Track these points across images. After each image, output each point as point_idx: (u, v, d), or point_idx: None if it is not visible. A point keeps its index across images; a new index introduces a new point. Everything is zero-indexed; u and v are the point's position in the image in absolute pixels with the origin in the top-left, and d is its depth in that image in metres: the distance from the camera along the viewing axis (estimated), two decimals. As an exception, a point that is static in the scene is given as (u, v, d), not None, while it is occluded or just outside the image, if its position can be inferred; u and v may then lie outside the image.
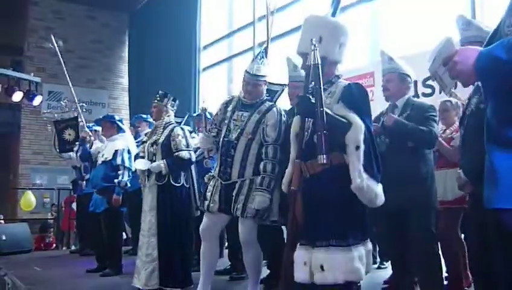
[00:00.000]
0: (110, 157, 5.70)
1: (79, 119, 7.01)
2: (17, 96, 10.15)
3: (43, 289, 5.17)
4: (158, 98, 4.88)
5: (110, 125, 6.00)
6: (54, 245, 10.58)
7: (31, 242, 8.74)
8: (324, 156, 2.60)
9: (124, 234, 7.20)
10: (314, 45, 2.80)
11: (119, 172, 5.63)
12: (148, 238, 4.59)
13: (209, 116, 4.48)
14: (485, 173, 1.73)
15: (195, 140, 5.47)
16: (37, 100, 10.57)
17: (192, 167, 4.99)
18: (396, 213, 3.47)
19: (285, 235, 3.38)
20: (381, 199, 2.78)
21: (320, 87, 2.71)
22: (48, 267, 6.58)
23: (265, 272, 4.46)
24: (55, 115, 7.46)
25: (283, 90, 4.72)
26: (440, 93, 5.38)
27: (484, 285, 2.97)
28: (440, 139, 3.96)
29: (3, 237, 8.08)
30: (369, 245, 2.88)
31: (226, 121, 4.06)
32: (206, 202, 4.01)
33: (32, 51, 13.11)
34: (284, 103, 4.57)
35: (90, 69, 13.85)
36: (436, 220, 3.63)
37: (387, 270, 4.71)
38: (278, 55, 5.50)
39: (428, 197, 3.53)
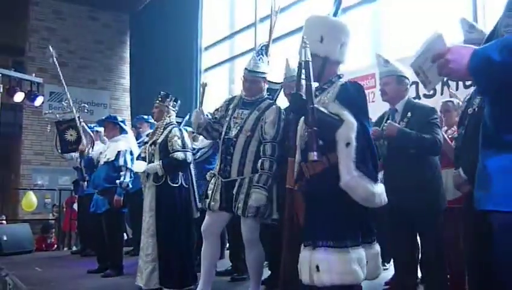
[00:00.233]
0: (112, 158, 5.70)
1: (77, 122, 7.00)
2: (19, 96, 10.14)
3: (45, 290, 5.17)
4: (160, 99, 4.89)
5: (113, 126, 6.00)
6: (55, 246, 10.58)
7: (32, 243, 8.73)
8: (315, 153, 2.59)
9: (125, 234, 7.20)
10: (305, 42, 2.81)
11: (121, 173, 5.64)
12: (148, 238, 4.62)
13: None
14: (476, 174, 1.73)
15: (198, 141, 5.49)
16: (38, 101, 10.57)
17: (192, 167, 4.99)
18: (402, 215, 3.47)
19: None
20: (381, 198, 2.74)
21: (311, 84, 2.71)
22: (49, 267, 6.58)
23: (266, 273, 4.46)
24: (57, 116, 7.44)
25: (281, 88, 4.73)
26: (441, 94, 5.39)
27: (479, 283, 2.98)
28: (445, 135, 3.94)
29: (5, 238, 8.08)
30: (375, 248, 2.85)
31: (227, 119, 4.09)
32: (207, 200, 4.02)
33: (33, 52, 13.12)
34: (283, 101, 4.58)
35: (92, 70, 13.86)
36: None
37: (389, 272, 4.71)
38: (281, 55, 5.50)
39: (435, 200, 3.49)
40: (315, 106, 2.67)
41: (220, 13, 11.38)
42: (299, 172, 2.92)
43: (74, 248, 9.31)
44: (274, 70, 4.41)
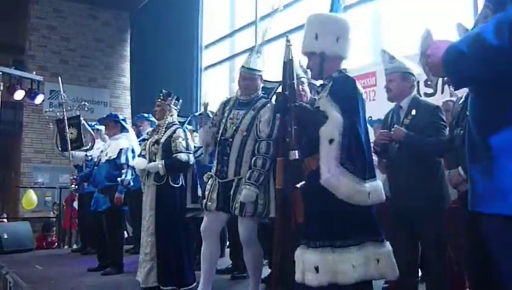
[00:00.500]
0: (114, 156, 5.70)
1: (65, 122, 7.00)
2: (19, 94, 10.14)
3: (45, 288, 5.17)
4: (161, 98, 4.88)
5: (114, 125, 6.00)
6: (56, 244, 10.59)
7: (32, 241, 8.74)
8: (296, 151, 2.58)
9: (125, 232, 7.20)
10: (288, 41, 2.81)
11: (123, 171, 5.64)
12: (147, 237, 4.64)
13: (209, 114, 4.49)
14: (468, 177, 1.73)
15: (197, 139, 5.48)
16: (38, 99, 10.58)
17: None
18: (403, 214, 3.47)
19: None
20: (373, 196, 2.71)
21: (293, 83, 2.71)
22: (50, 265, 6.59)
23: (266, 271, 4.47)
24: (57, 114, 7.43)
25: (279, 86, 4.73)
26: (442, 93, 5.38)
27: (477, 282, 2.99)
28: None
29: (5, 236, 8.09)
30: (386, 246, 2.80)
31: (224, 120, 4.09)
32: (204, 201, 4.03)
33: (34, 50, 13.12)
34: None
35: (92, 68, 13.87)
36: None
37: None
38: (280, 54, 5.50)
39: (437, 199, 3.47)
40: (298, 104, 2.66)
41: (221, 11, 11.37)
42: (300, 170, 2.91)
43: (75, 246, 9.32)
44: (272, 69, 4.40)
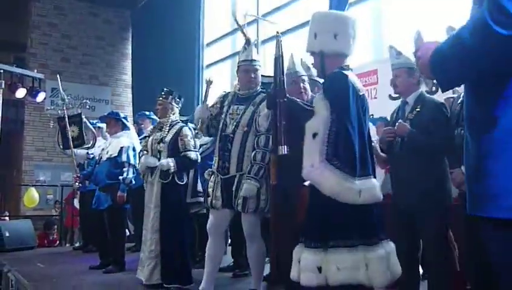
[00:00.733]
0: (115, 154, 5.69)
1: (66, 120, 7.00)
2: (21, 92, 10.13)
3: (47, 285, 5.17)
4: (163, 96, 4.88)
5: (115, 123, 6.00)
6: (57, 242, 10.60)
7: (34, 239, 8.75)
8: (285, 147, 2.57)
9: (127, 230, 7.21)
10: (278, 37, 2.79)
11: (124, 169, 5.63)
12: (152, 234, 4.63)
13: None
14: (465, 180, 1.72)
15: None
16: (40, 97, 10.57)
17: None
18: (408, 211, 3.46)
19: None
20: (366, 196, 2.64)
21: (282, 79, 2.69)
22: (51, 263, 6.60)
23: (268, 269, 4.46)
24: (59, 112, 7.42)
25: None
26: (443, 92, 5.36)
27: (477, 283, 2.98)
28: None
29: (7, 234, 8.10)
30: (378, 251, 2.68)
31: (223, 116, 4.09)
32: (209, 199, 4.03)
33: (35, 48, 13.12)
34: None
35: (93, 66, 13.88)
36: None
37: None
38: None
39: (442, 197, 3.46)
40: (287, 99, 2.65)
41: (222, 9, 11.36)
42: None
43: (77, 244, 9.33)
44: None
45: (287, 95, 3.06)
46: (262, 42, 9.51)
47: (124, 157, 5.66)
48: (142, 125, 7.26)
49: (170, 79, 10.37)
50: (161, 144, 4.71)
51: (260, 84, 4.18)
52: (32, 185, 12.09)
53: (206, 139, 5.67)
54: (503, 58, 1.45)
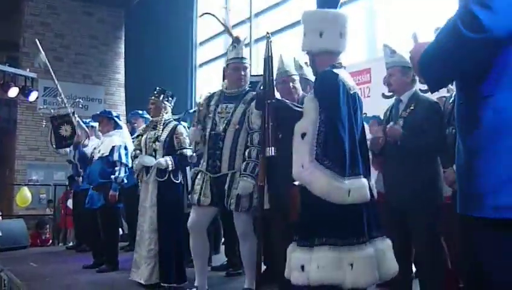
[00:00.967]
0: (107, 153, 5.69)
1: (71, 117, 6.97)
2: (13, 92, 10.12)
3: (40, 285, 5.16)
4: (156, 95, 4.88)
5: (107, 121, 5.99)
6: (50, 241, 10.56)
7: (27, 238, 8.72)
8: (272, 148, 2.57)
9: (120, 229, 7.19)
10: (268, 38, 2.79)
11: (116, 168, 5.62)
12: (149, 234, 4.61)
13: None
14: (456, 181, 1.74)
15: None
16: (32, 96, 10.55)
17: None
18: (400, 209, 3.47)
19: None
20: (356, 196, 2.62)
21: (271, 80, 2.69)
22: (44, 263, 6.58)
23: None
24: (52, 111, 7.39)
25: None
26: (431, 92, 5.38)
27: (468, 281, 2.99)
28: None
29: (0, 233, 8.07)
30: (366, 251, 2.63)
31: (211, 115, 4.09)
32: (196, 196, 4.02)
33: (28, 47, 13.04)
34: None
35: (87, 65, 13.84)
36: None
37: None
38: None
39: (433, 195, 3.47)
40: (275, 100, 2.64)
41: (215, 8, 11.33)
42: None
43: (70, 244, 9.30)
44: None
45: (276, 95, 3.06)
46: (255, 41, 9.51)
47: (115, 156, 5.65)
48: (135, 124, 7.24)
49: (163, 78, 10.35)
50: (157, 143, 4.71)
51: (248, 82, 4.18)
52: (25, 185, 12.04)
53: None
54: (478, 60, 1.49)
